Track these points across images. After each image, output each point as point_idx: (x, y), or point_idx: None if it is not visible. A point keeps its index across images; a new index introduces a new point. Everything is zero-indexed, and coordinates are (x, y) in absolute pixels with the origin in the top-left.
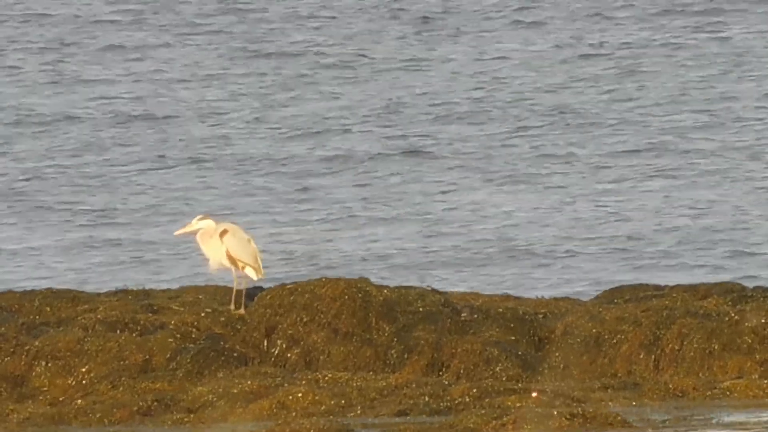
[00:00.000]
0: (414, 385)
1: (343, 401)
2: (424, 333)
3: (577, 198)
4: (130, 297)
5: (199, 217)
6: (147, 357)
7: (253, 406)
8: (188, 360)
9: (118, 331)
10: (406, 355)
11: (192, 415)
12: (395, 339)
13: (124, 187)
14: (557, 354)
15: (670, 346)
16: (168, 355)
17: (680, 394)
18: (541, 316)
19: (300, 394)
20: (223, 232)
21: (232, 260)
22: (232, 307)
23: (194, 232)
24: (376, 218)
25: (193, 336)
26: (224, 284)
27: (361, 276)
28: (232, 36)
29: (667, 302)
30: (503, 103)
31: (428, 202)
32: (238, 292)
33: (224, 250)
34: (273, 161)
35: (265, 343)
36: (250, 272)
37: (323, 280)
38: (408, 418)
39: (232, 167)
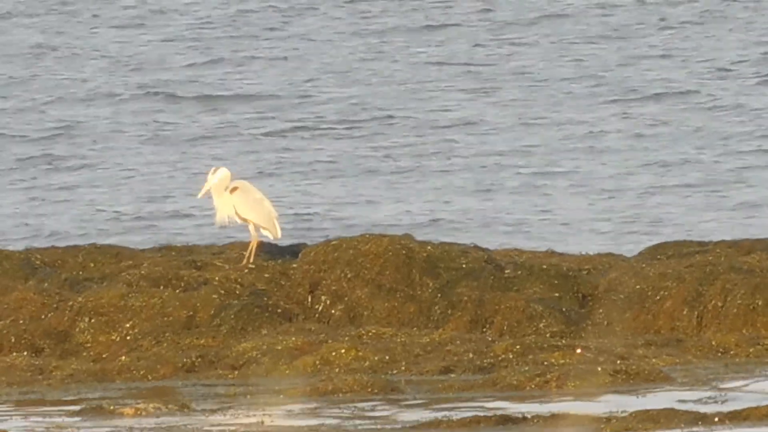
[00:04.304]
0: (458, 342)
1: (387, 357)
2: (467, 289)
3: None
4: (173, 253)
5: (212, 169)
6: (191, 313)
7: (296, 362)
8: (232, 316)
9: (162, 287)
10: (449, 312)
11: (236, 372)
12: (439, 295)
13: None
14: (601, 311)
15: (713, 302)
16: (212, 312)
17: (723, 351)
18: (584, 272)
19: (344, 350)
20: (233, 189)
21: (242, 218)
22: (246, 261)
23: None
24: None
25: (237, 292)
26: (267, 241)
27: (405, 233)
28: None
29: (710, 258)
30: None
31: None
32: (257, 246)
33: (232, 207)
34: None
35: (309, 299)
36: (265, 233)
37: (367, 236)
38: (452, 375)
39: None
